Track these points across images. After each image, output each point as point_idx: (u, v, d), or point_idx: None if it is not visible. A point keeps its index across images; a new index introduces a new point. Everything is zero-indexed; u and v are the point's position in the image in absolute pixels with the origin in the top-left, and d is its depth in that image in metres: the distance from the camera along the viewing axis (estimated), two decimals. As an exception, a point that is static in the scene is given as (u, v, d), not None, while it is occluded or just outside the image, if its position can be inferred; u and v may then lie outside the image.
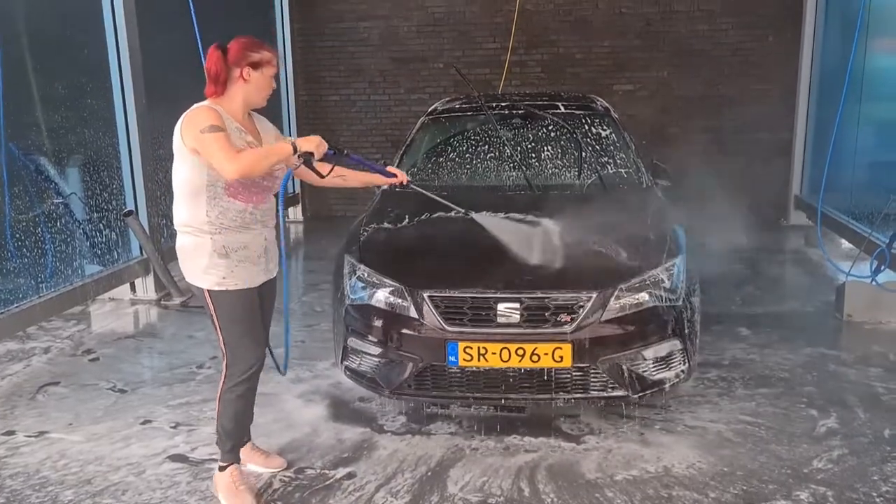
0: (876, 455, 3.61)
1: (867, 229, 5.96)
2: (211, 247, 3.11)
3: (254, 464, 3.60)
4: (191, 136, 2.98)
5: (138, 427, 4.04)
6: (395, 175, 3.71)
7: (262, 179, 3.17)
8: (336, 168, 3.40)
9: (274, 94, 3.28)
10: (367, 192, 5.43)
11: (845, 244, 6.83)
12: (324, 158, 3.20)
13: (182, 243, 3.20)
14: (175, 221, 3.20)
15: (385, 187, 4.96)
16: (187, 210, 3.12)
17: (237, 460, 3.41)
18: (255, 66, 3.10)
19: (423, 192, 3.88)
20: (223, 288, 3.14)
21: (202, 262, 3.13)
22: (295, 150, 3.05)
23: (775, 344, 5.00)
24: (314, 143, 3.11)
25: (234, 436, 3.35)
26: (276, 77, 3.25)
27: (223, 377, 3.28)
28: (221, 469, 3.37)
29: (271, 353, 3.47)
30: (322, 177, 3.30)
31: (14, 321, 4.91)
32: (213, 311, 3.19)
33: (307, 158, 3.09)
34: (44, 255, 5.32)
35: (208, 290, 3.15)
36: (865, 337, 5.16)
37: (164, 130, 6.56)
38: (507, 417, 4.03)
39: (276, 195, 3.28)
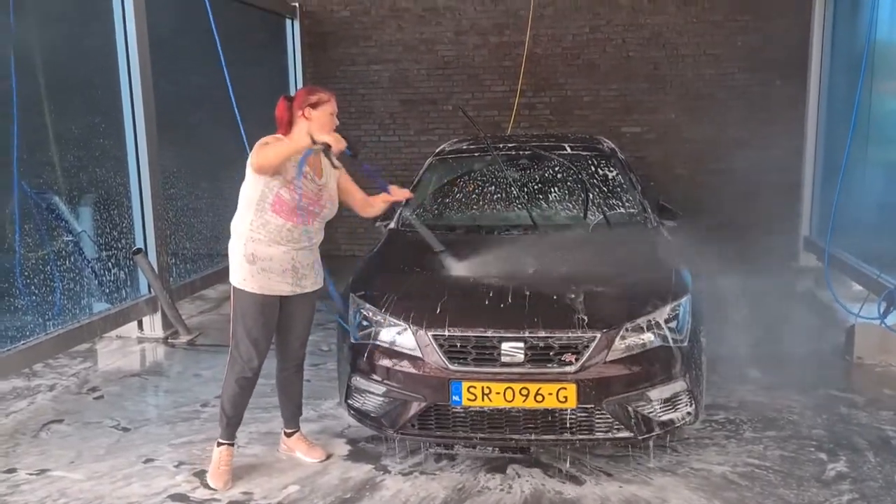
0: (886, 500, 3.55)
1: (876, 271, 5.92)
2: (242, 251, 3.67)
3: (300, 452, 4.09)
4: (252, 154, 3.58)
5: (140, 466, 4.02)
6: (397, 193, 4.05)
7: (308, 204, 3.66)
8: (368, 198, 3.99)
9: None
10: (374, 231, 5.47)
11: (856, 286, 6.79)
12: (340, 158, 3.71)
13: (229, 243, 3.77)
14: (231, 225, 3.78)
15: (391, 226, 5.03)
16: (239, 217, 3.72)
17: (231, 439, 3.87)
18: (314, 105, 3.68)
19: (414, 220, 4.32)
20: (242, 287, 3.68)
21: (235, 261, 3.71)
22: (314, 142, 3.50)
23: (784, 386, 4.93)
24: (332, 136, 3.56)
25: (230, 415, 3.83)
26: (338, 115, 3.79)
27: (227, 366, 3.80)
28: (218, 445, 3.87)
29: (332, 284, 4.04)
30: (335, 167, 3.77)
31: (20, 358, 4.91)
32: (231, 304, 3.77)
33: (324, 148, 3.55)
34: (52, 292, 5.35)
35: (233, 286, 3.73)
36: (875, 379, 5.10)
37: (175, 170, 6.69)
38: (511, 457, 3.99)
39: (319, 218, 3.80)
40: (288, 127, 3.73)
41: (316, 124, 3.65)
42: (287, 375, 4.02)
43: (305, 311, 3.90)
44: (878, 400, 4.73)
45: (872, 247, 6.36)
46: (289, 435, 4.12)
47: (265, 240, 3.64)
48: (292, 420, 4.12)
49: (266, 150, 3.50)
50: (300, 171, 3.59)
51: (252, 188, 3.65)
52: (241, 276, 3.68)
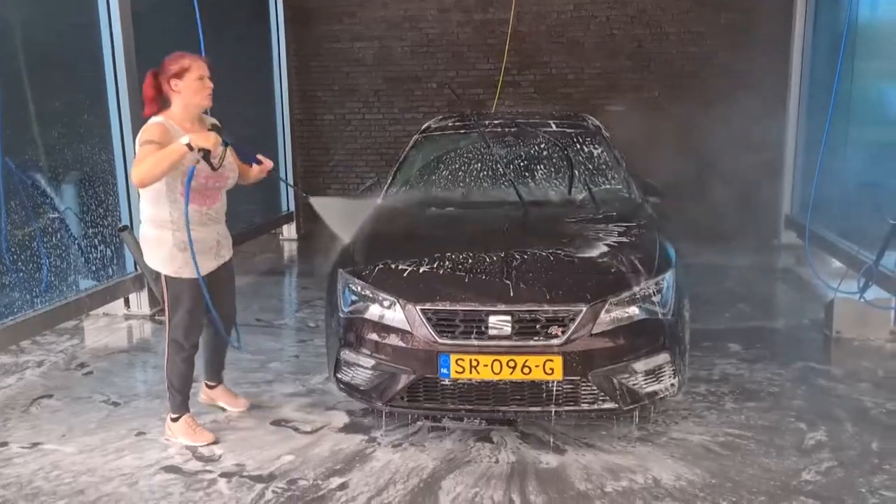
0: (864, 467, 3.65)
1: (854, 247, 6.02)
2: (171, 241, 3.68)
3: (223, 402, 4.32)
4: (137, 145, 3.57)
5: (132, 439, 4.06)
6: (263, 162, 3.94)
7: (215, 182, 3.71)
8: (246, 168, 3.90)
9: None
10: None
11: (836, 263, 6.90)
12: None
13: (145, 233, 3.77)
14: (141, 216, 3.76)
15: (379, 200, 5.06)
16: (152, 208, 3.68)
17: (187, 410, 3.99)
18: (178, 75, 3.59)
19: (285, 181, 4.00)
20: (178, 276, 3.73)
21: (163, 252, 3.71)
22: (191, 148, 3.42)
23: (765, 359, 5.03)
24: (210, 141, 3.47)
25: (182, 391, 3.94)
26: (211, 77, 3.67)
27: (166, 347, 3.88)
28: (175, 420, 3.97)
29: (237, 330, 4.25)
30: (214, 169, 3.62)
31: (7, 335, 4.92)
32: (164, 293, 3.80)
33: (203, 155, 3.47)
34: (39, 269, 5.34)
35: (164, 276, 3.75)
36: (854, 353, 5.21)
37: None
38: (498, 429, 4.06)
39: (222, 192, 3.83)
40: (156, 104, 3.65)
41: (185, 94, 3.59)
42: (220, 338, 4.15)
43: (228, 277, 4.05)
44: (856, 372, 4.83)
45: (851, 224, 6.47)
46: (211, 387, 4.34)
47: (191, 225, 3.66)
48: (217, 375, 4.34)
49: (146, 165, 3.41)
50: (188, 185, 3.55)
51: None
52: (176, 265, 3.71)
